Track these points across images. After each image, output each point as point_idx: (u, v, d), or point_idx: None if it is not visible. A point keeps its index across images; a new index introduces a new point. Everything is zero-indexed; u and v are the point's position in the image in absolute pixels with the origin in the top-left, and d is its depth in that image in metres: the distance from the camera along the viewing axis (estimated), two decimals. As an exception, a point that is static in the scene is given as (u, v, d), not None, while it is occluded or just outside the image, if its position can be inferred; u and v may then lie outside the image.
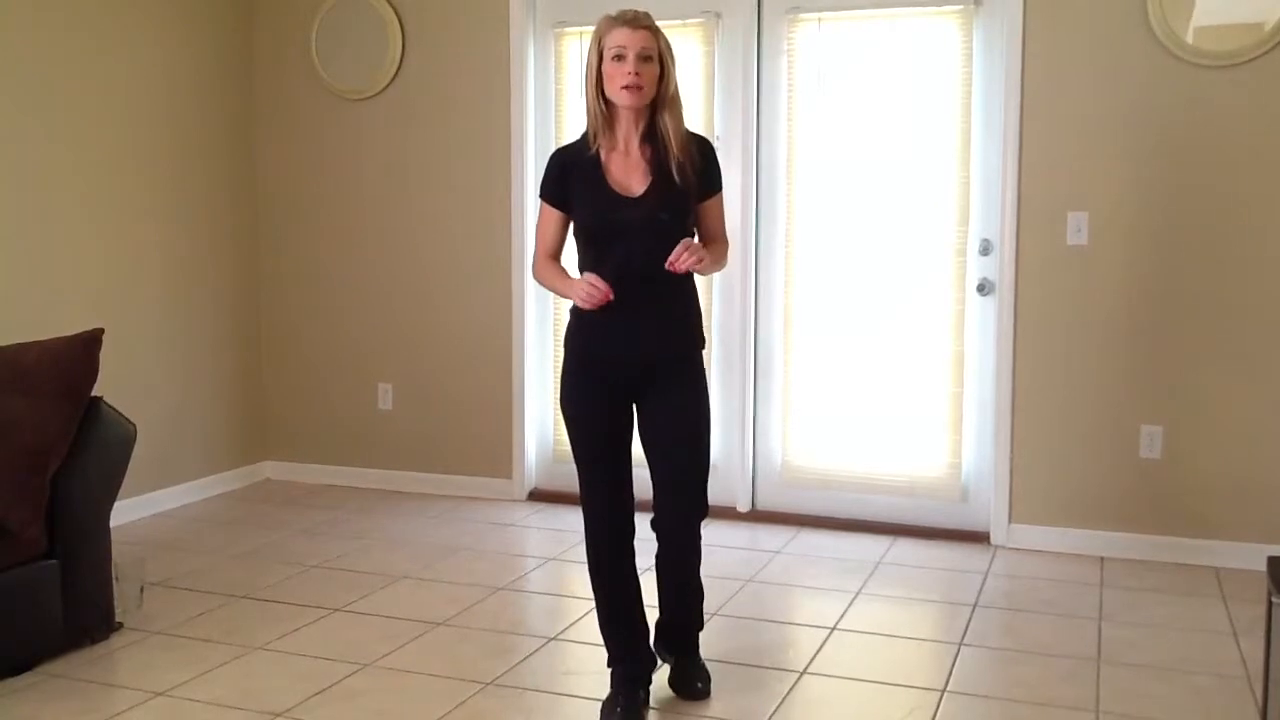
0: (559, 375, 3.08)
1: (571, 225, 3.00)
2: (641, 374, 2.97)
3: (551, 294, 5.00)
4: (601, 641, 3.08)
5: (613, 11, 2.90)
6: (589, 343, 2.94)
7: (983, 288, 4.53)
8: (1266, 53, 4.07)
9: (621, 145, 2.93)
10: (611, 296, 2.81)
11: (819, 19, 4.65)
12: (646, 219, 2.88)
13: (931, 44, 4.54)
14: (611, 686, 3.00)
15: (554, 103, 5.08)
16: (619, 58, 2.83)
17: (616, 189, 2.91)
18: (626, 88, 2.82)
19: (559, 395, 3.05)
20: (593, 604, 3.08)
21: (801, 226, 4.77)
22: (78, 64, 4.58)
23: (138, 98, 4.86)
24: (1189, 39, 4.14)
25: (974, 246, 4.54)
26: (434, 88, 5.20)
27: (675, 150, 2.90)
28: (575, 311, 2.97)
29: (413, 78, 5.23)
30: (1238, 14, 4.12)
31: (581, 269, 2.99)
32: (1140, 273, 4.29)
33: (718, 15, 4.78)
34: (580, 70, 4.94)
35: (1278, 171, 4.11)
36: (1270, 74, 4.09)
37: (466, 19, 5.12)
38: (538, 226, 3.05)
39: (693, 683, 3.13)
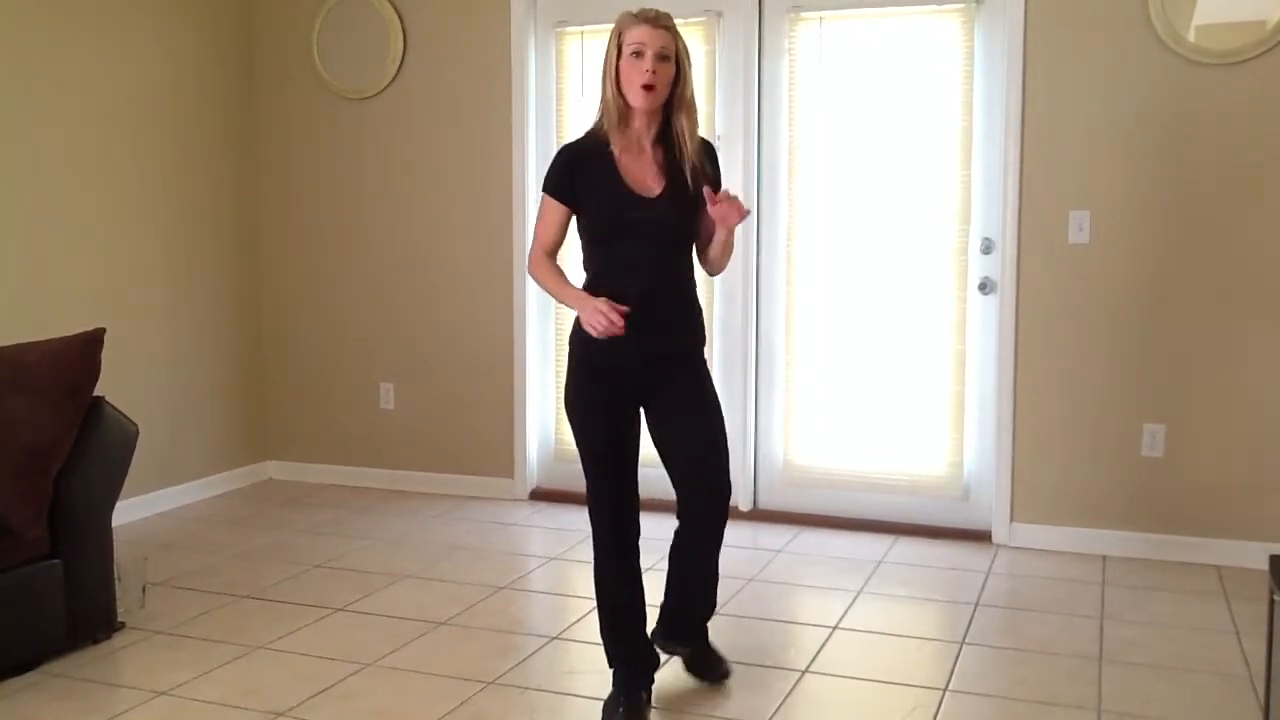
0: (564, 377, 3.06)
1: (575, 222, 2.97)
2: (650, 374, 2.97)
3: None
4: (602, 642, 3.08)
5: (634, 9, 2.89)
6: (597, 344, 2.90)
7: (984, 286, 4.53)
8: (1267, 51, 4.07)
9: (635, 144, 2.92)
10: (623, 330, 2.78)
11: (820, 18, 4.65)
12: (662, 220, 2.90)
13: (933, 42, 4.53)
14: (613, 686, 3.00)
15: (555, 102, 5.07)
16: (637, 54, 2.82)
17: (634, 187, 2.90)
18: (643, 86, 2.82)
19: (565, 399, 3.03)
20: (595, 603, 3.08)
21: (803, 225, 4.77)
22: (78, 64, 4.59)
23: (138, 97, 4.86)
24: (1190, 37, 4.14)
25: (975, 245, 4.54)
26: (435, 87, 5.20)
27: (689, 153, 2.91)
28: None
29: (414, 77, 5.23)
30: (1239, 12, 4.11)
31: (587, 267, 2.98)
32: (1142, 271, 4.29)
33: (719, 14, 4.78)
34: (581, 69, 5.00)
35: (1279, 169, 4.11)
36: (1271, 72, 4.08)
37: (468, 19, 5.12)
38: (539, 221, 3.00)
39: (718, 665, 3.21)
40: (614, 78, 2.86)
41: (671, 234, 2.93)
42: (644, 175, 2.91)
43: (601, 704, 3.00)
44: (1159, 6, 4.15)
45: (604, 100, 2.90)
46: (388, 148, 5.31)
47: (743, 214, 2.89)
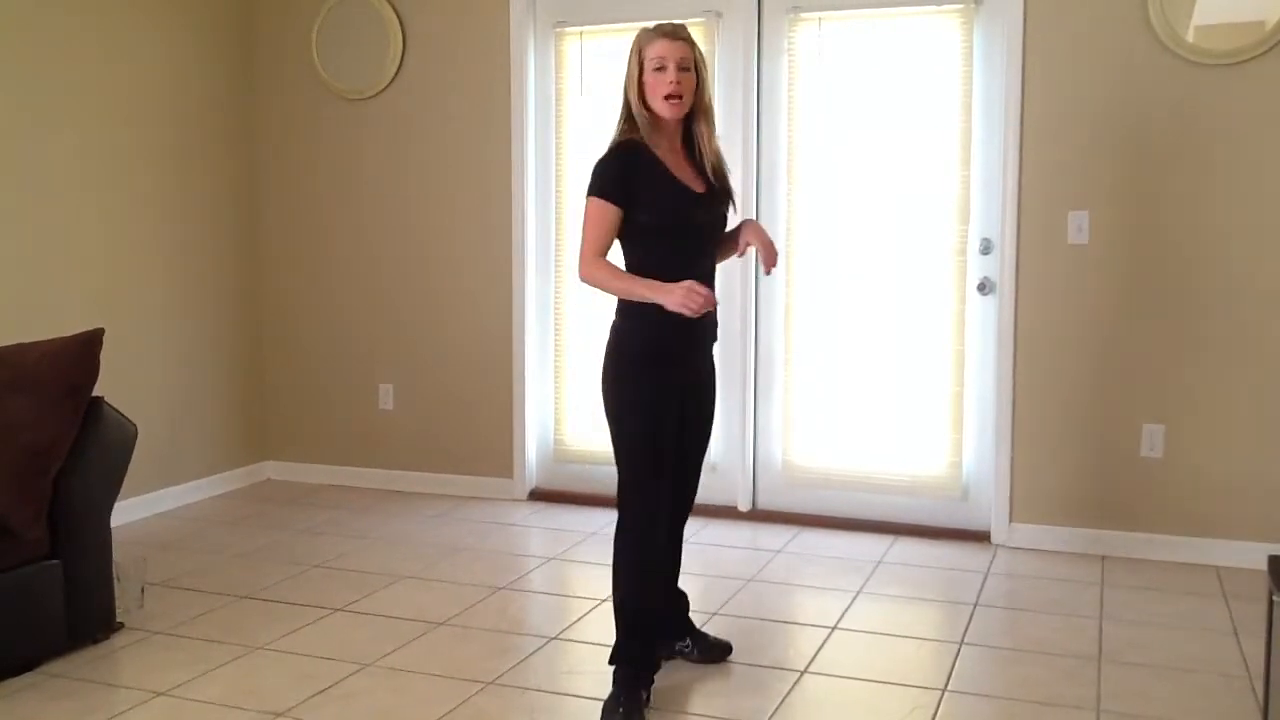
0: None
1: (622, 228, 2.97)
2: (697, 370, 3.12)
3: (556, 295, 5.06)
4: (608, 642, 3.08)
5: (650, 24, 3.00)
6: (666, 343, 2.96)
7: (983, 287, 4.53)
8: (1267, 51, 4.07)
9: (670, 149, 3.02)
10: (715, 304, 2.89)
11: (819, 18, 4.65)
12: (713, 217, 3.06)
13: (932, 43, 4.53)
14: (614, 686, 3.00)
15: (554, 102, 5.07)
16: (660, 68, 2.92)
17: (691, 186, 3.00)
18: (669, 97, 2.92)
19: (617, 397, 2.99)
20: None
21: (802, 225, 4.77)
22: (78, 64, 4.59)
23: (139, 98, 4.86)
24: (1189, 38, 4.14)
25: (974, 245, 4.54)
26: (434, 88, 5.20)
27: (709, 156, 3.05)
28: (635, 312, 2.93)
29: (413, 78, 5.23)
30: (1238, 13, 4.11)
31: (638, 267, 2.98)
32: (1141, 271, 4.29)
33: (718, 15, 4.78)
34: (580, 69, 5.00)
35: (1278, 170, 4.11)
36: (1271, 73, 4.08)
37: (467, 18, 5.12)
38: (590, 226, 2.94)
39: (721, 642, 3.37)
40: (639, 92, 2.96)
41: (716, 232, 3.10)
42: (687, 176, 3.02)
43: (601, 704, 3.00)
44: (1159, 7, 4.15)
45: (632, 113, 2.97)
46: (388, 148, 5.31)
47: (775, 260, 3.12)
